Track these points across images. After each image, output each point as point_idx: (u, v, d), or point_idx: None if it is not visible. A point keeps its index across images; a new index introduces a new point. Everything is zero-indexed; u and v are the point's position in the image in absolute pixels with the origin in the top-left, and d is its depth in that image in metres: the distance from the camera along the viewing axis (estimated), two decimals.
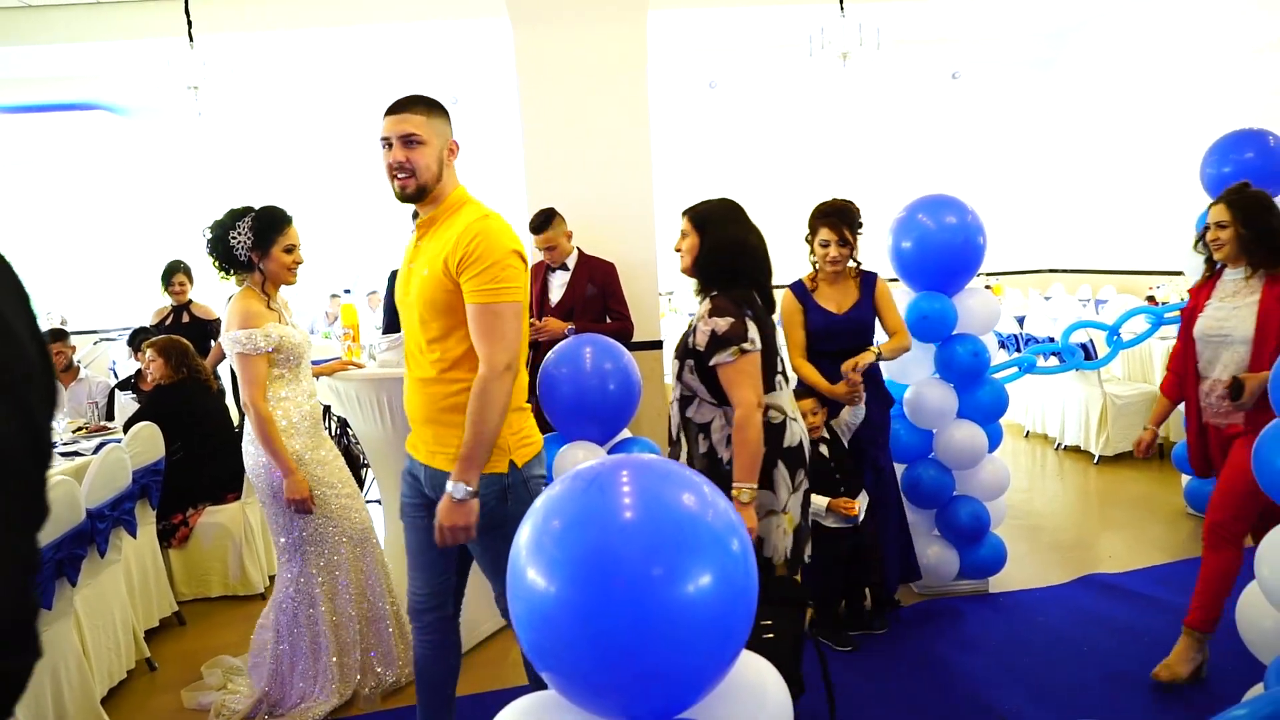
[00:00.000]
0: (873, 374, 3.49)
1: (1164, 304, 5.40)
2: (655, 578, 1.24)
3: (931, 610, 3.73)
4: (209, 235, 3.10)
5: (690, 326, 2.60)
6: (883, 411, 3.59)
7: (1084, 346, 5.32)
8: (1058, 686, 3.05)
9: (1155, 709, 2.89)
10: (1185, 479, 4.71)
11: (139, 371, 5.42)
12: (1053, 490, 5.48)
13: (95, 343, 8.61)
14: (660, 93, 6.64)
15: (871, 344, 3.45)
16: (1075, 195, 10.01)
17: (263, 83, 9.44)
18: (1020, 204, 10.47)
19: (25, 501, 0.83)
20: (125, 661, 3.44)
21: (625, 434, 3.57)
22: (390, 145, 2.16)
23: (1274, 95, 7.16)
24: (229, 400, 5.42)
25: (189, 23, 6.49)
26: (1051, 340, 5.68)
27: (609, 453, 3.40)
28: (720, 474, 2.51)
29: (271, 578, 4.51)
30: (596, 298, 4.20)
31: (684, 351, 2.59)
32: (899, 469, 3.89)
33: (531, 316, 4.31)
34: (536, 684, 2.19)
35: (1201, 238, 3.14)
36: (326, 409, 4.48)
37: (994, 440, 3.88)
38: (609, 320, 4.20)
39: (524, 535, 1.35)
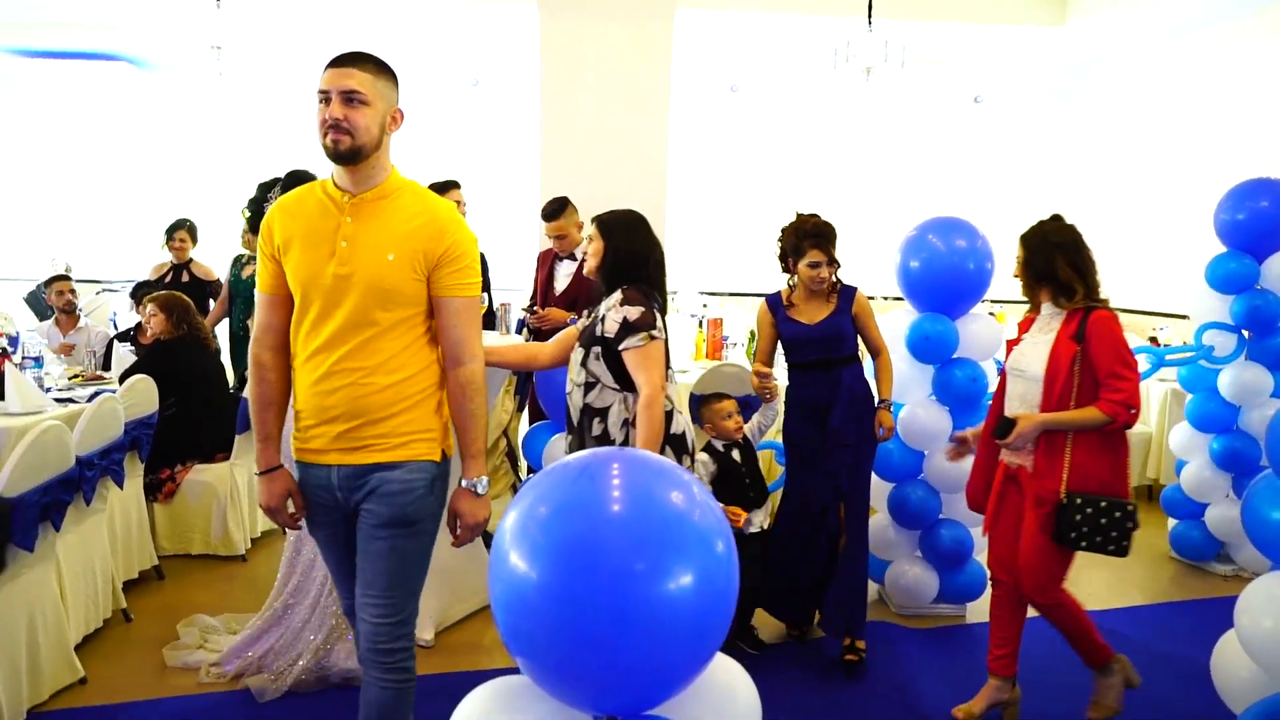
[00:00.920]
0: (863, 394, 3.43)
1: (1166, 345, 5.40)
2: (637, 572, 1.25)
3: (905, 633, 3.73)
4: (247, 214, 3.11)
5: (597, 317, 2.79)
6: (864, 435, 3.40)
7: None
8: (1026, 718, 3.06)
9: None
10: (1172, 522, 4.72)
11: (139, 324, 5.41)
12: None
13: (97, 293, 8.59)
14: (680, 92, 6.64)
15: (842, 354, 3.39)
16: (1086, 229, 9.95)
17: (285, 49, 9.42)
18: None
19: None
20: (102, 610, 3.45)
21: None
22: (328, 100, 1.99)
23: None
24: (225, 360, 5.42)
25: None
26: None
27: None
28: None
29: (254, 540, 4.52)
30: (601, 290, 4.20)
31: (590, 340, 2.78)
32: (886, 487, 3.90)
33: (536, 305, 4.32)
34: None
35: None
36: None
37: None
38: None
39: (510, 519, 1.35)
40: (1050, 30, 8.56)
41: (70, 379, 4.75)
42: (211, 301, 5.85)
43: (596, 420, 2.76)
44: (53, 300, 5.87)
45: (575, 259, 4.23)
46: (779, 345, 3.52)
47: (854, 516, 3.42)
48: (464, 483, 2.13)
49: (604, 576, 1.24)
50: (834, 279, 3.43)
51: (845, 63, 7.42)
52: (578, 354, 2.81)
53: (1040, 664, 3.43)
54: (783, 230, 3.49)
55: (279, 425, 2.20)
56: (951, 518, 3.84)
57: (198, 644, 3.34)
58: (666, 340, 2.82)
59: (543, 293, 4.25)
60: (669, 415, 2.76)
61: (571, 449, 2.89)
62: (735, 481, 3.37)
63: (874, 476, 3.93)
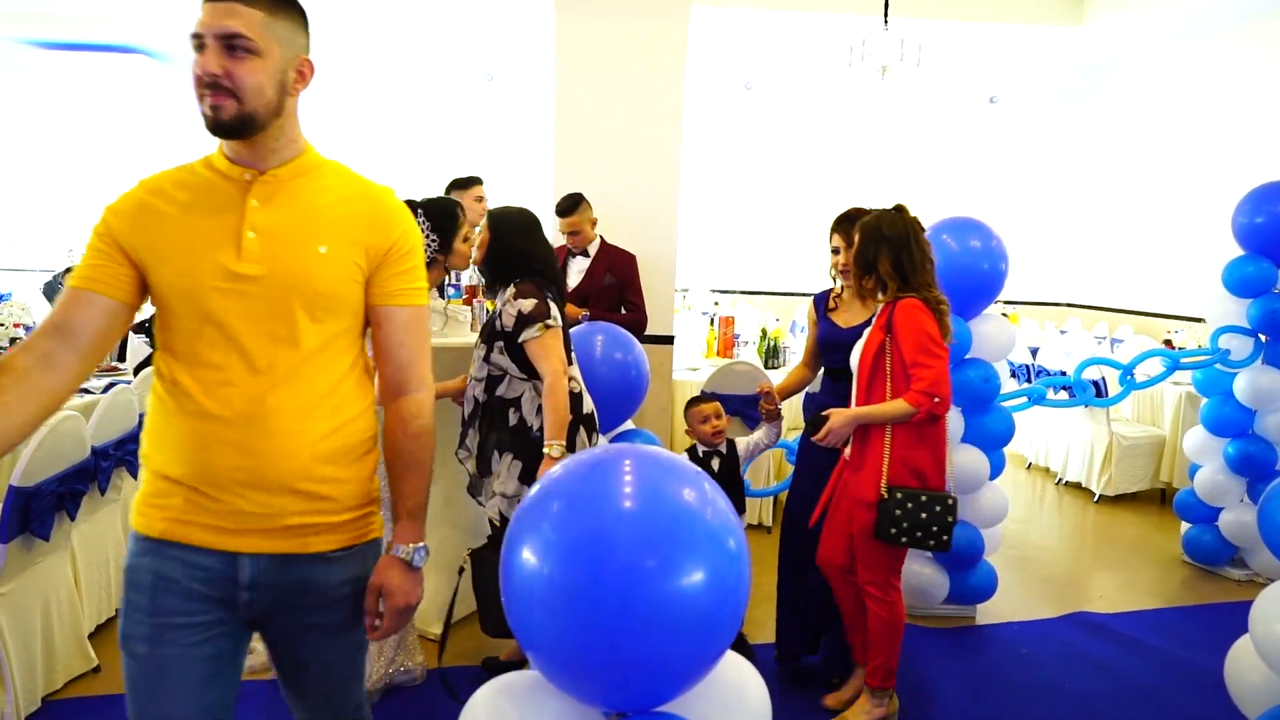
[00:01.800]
0: None
1: (1181, 349, 5.37)
2: (648, 569, 1.25)
3: (915, 632, 3.72)
4: None
5: (495, 312, 2.84)
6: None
7: (1096, 383, 5.30)
8: None
9: None
10: (1185, 526, 4.69)
11: (153, 315, 5.44)
12: (1049, 524, 5.46)
13: None
14: (695, 89, 6.63)
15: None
16: (1101, 231, 9.96)
17: None
18: (1044, 235, 10.42)
19: None
20: (114, 600, 3.47)
21: (628, 425, 3.58)
22: (202, 46, 1.42)
23: None
24: None
25: None
26: (1064, 374, 5.66)
27: (610, 442, 3.40)
28: (530, 441, 2.79)
29: None
30: (614, 287, 4.21)
31: (490, 335, 2.83)
32: None
33: None
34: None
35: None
36: None
37: (996, 468, 3.87)
38: (624, 311, 4.21)
39: (522, 513, 1.35)
40: (1067, 30, 8.51)
41: None
42: None
43: (511, 410, 2.82)
44: None
45: (588, 255, 4.25)
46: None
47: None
48: (397, 550, 1.56)
49: (614, 573, 1.24)
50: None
51: (860, 61, 7.40)
52: (479, 350, 2.87)
53: (1053, 667, 3.42)
54: None
55: None
56: (963, 518, 3.82)
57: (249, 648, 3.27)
58: (567, 329, 2.91)
59: None
60: (579, 395, 2.89)
61: (471, 442, 2.91)
62: None
63: None
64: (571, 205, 4.15)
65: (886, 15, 7.19)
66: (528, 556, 1.29)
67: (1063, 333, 8.73)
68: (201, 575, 1.49)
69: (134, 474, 3.58)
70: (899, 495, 2.67)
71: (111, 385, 3.90)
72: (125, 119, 9.77)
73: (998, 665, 3.45)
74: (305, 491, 1.49)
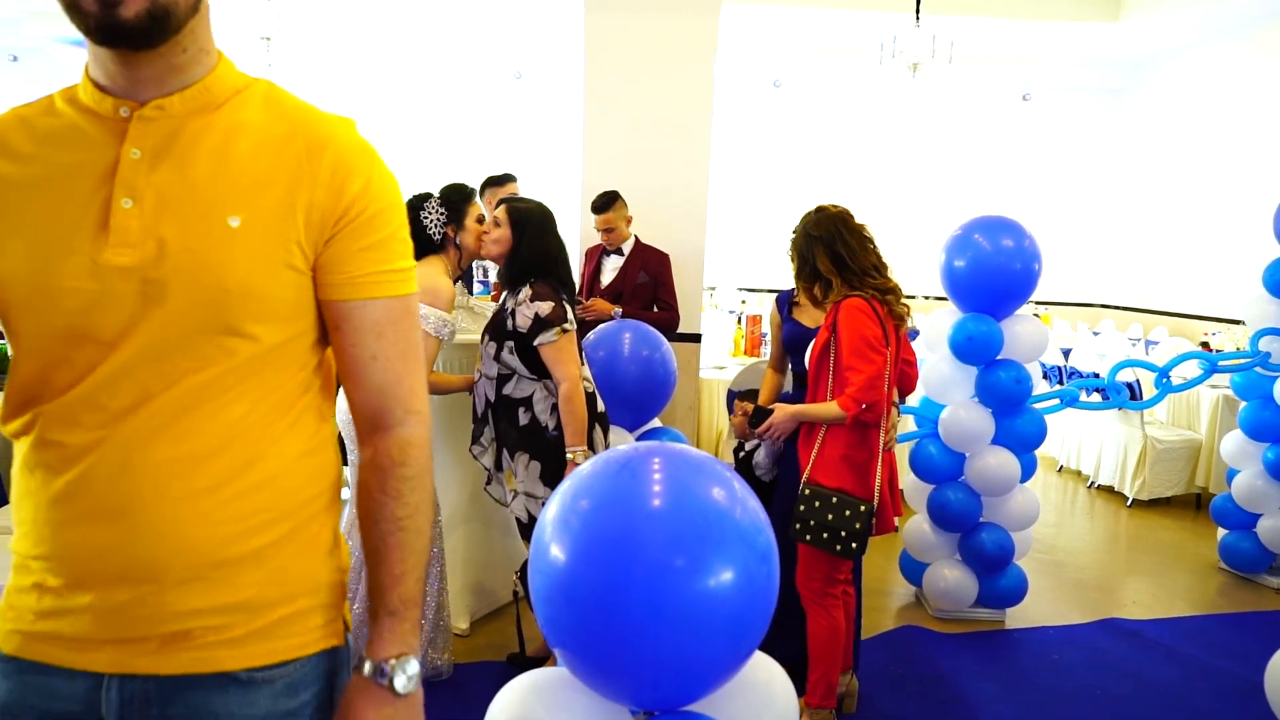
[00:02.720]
0: None
1: (1219, 351, 5.27)
2: (677, 568, 1.24)
3: (943, 636, 3.69)
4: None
5: (506, 310, 2.79)
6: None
7: (1130, 386, 5.22)
8: None
9: None
10: (1221, 532, 4.61)
11: None
12: (1081, 528, 5.39)
13: None
14: (724, 87, 6.60)
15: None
16: (1136, 231, 9.81)
17: (332, 41, 9.54)
18: (1079, 234, 10.28)
19: None
20: None
21: (655, 423, 3.57)
22: None
23: None
24: None
25: None
26: (1097, 376, 5.58)
27: (637, 440, 3.40)
28: (545, 441, 2.77)
29: None
30: (647, 285, 4.22)
31: (500, 334, 2.78)
32: (925, 489, 3.85)
33: (580, 296, 4.33)
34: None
35: None
36: None
37: (1027, 470, 3.82)
38: (656, 309, 4.21)
39: (551, 511, 1.35)
40: (1103, 27, 8.38)
41: None
42: None
43: (521, 409, 2.80)
44: None
45: (622, 254, 4.27)
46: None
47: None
48: (368, 669, 1.03)
49: (642, 571, 1.24)
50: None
51: (892, 58, 7.34)
52: (489, 347, 2.82)
53: (1083, 674, 3.38)
54: None
55: None
56: (993, 521, 3.78)
57: None
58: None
59: (588, 287, 4.28)
60: (592, 395, 2.89)
61: (486, 439, 2.89)
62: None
63: (913, 477, 3.90)
64: (607, 202, 4.16)
65: (918, 12, 7.12)
66: (556, 554, 1.29)
67: (1096, 334, 8.62)
68: (62, 709, 0.98)
69: None
70: (808, 493, 2.64)
71: None
72: None
73: (1027, 670, 3.41)
74: (208, 580, 0.97)
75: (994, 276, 3.60)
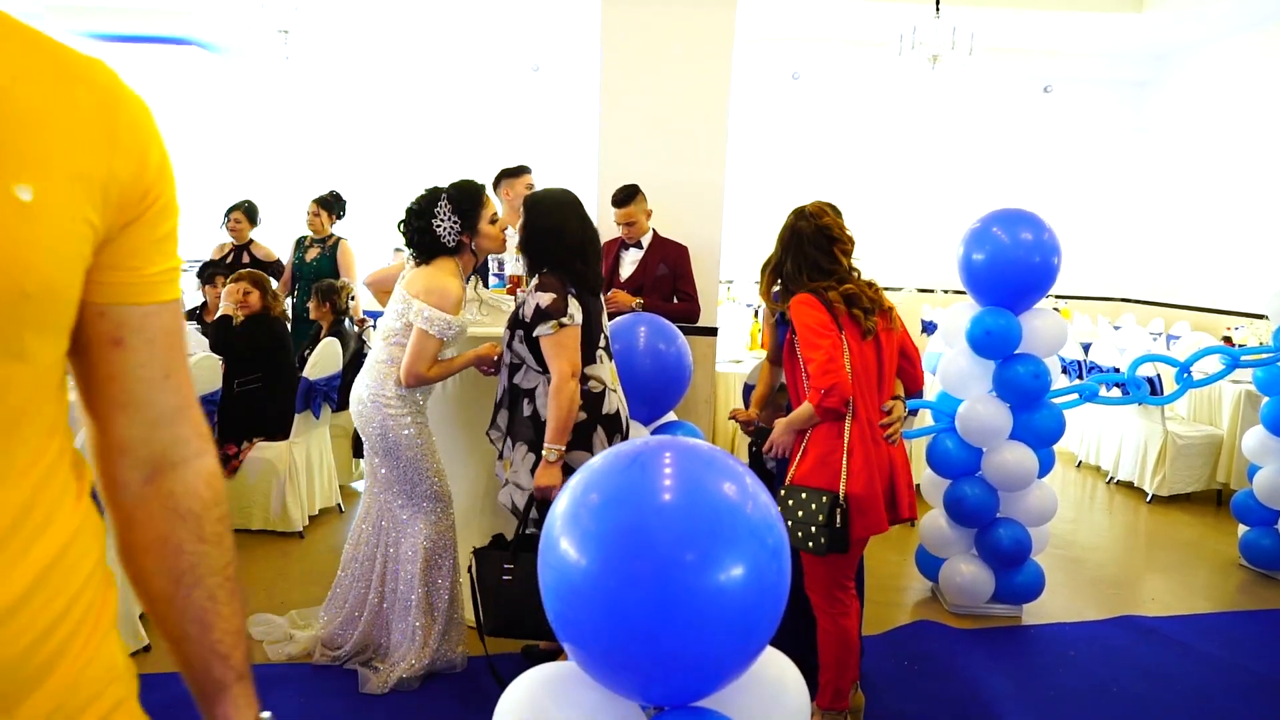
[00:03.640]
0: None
1: (1241, 345, 5.20)
2: (687, 563, 1.24)
3: (959, 631, 3.67)
4: (408, 231, 2.96)
5: (520, 299, 2.80)
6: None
7: (1150, 380, 5.16)
8: None
9: None
10: (1242, 529, 4.55)
11: (204, 304, 5.55)
12: (1100, 524, 5.34)
13: None
14: (742, 79, 6.56)
15: None
16: (1157, 225, 9.69)
17: (349, 34, 9.56)
18: (1100, 228, 10.17)
19: None
20: None
21: (670, 416, 3.57)
22: None
23: None
24: None
25: None
26: (1117, 370, 5.52)
27: (652, 434, 3.39)
28: (543, 436, 2.73)
29: (311, 517, 4.62)
30: (667, 278, 4.22)
31: (514, 322, 2.78)
32: (942, 484, 3.82)
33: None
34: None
35: None
36: None
37: (1045, 466, 3.78)
38: (677, 300, 4.21)
39: (561, 505, 1.35)
40: (1126, 18, 8.27)
41: None
42: (273, 282, 5.97)
43: (525, 401, 2.80)
44: None
45: (641, 247, 4.28)
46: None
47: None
48: None
49: (652, 566, 1.23)
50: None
51: (911, 50, 7.28)
52: (505, 335, 2.84)
53: (1099, 673, 3.35)
54: None
55: None
56: (1010, 516, 3.75)
57: (284, 636, 3.31)
58: (597, 315, 2.82)
59: (607, 279, 4.28)
60: (601, 395, 2.80)
61: (502, 421, 2.89)
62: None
63: (930, 472, 3.88)
64: (628, 196, 4.15)
65: (938, 3, 7.06)
66: (566, 549, 1.29)
67: (1116, 328, 8.52)
68: None
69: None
70: (783, 493, 2.63)
71: None
72: (179, 111, 9.97)
73: (1043, 667, 3.39)
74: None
75: (1013, 270, 3.56)
